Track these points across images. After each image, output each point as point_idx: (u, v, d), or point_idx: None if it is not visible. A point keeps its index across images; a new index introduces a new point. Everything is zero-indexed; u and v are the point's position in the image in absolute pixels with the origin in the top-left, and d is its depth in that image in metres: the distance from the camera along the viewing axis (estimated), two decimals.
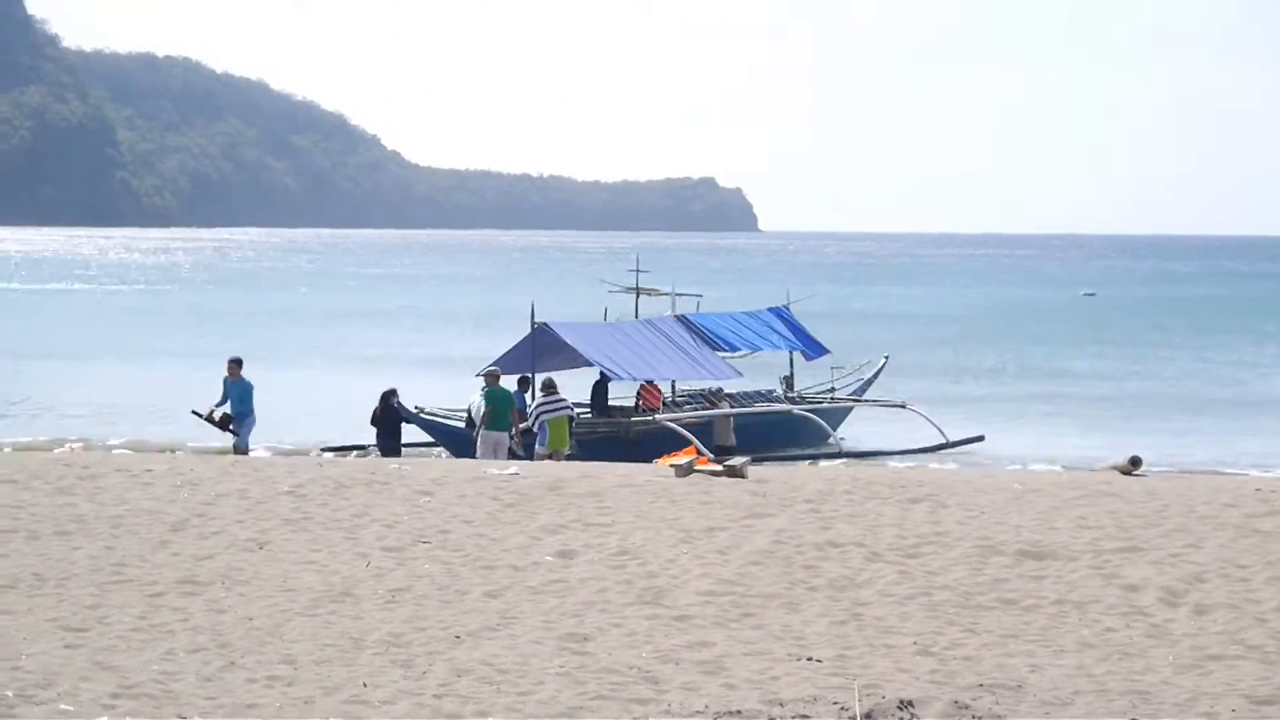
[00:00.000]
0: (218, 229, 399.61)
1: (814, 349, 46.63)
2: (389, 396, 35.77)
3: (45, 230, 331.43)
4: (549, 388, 33.75)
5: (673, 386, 41.86)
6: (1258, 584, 17.43)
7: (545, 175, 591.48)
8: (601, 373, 39.07)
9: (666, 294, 58.28)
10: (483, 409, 32.95)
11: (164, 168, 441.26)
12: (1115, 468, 26.98)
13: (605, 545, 19.56)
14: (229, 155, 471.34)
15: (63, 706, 12.58)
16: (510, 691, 13.36)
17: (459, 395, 39.29)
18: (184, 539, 19.88)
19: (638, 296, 67.75)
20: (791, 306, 47.34)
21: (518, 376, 36.34)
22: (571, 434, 33.54)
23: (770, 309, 47.25)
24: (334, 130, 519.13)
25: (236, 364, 32.36)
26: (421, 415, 36.89)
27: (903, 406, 43.60)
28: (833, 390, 46.58)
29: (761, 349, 45.14)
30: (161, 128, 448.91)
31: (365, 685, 13.50)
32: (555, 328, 38.62)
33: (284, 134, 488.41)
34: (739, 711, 12.58)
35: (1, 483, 23.49)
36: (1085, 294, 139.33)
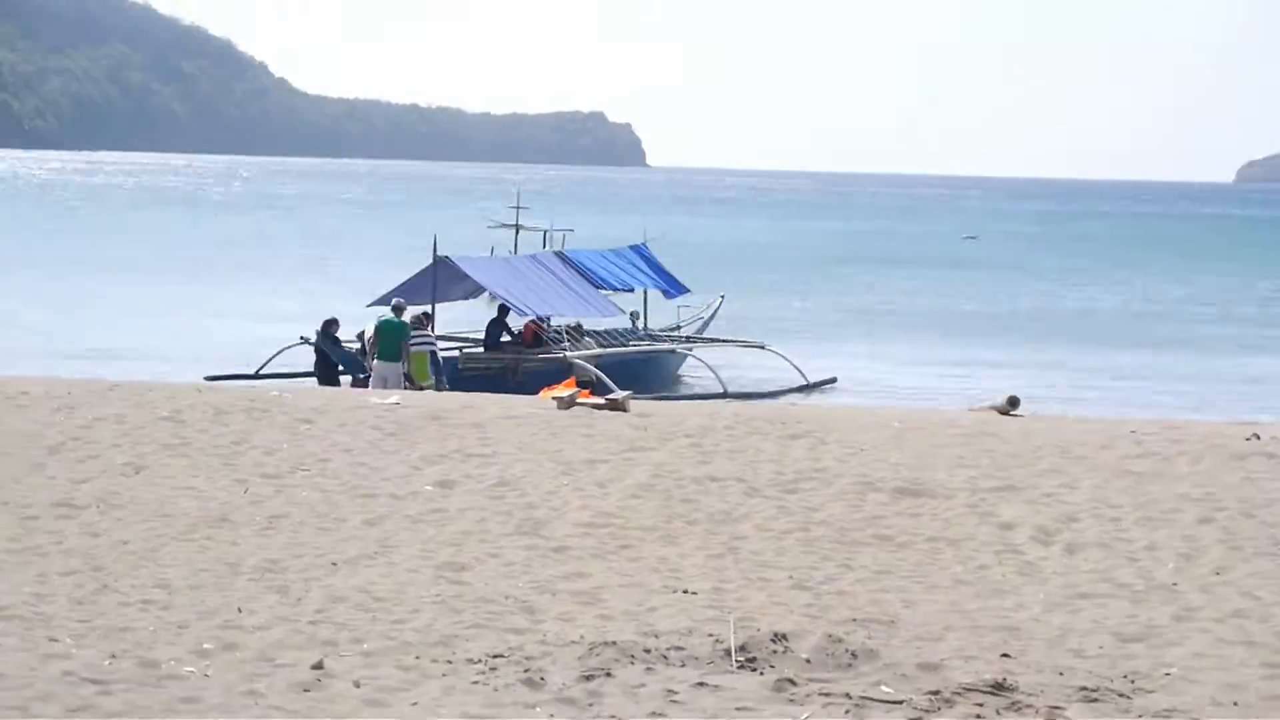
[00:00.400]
0: (102, 153, 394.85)
1: (675, 287, 46.74)
2: (328, 327, 35.54)
3: None
4: (416, 323, 33.91)
5: (546, 323, 41.73)
6: (1129, 524, 17.65)
7: (434, 106, 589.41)
8: (500, 307, 39.25)
9: (543, 230, 58.18)
10: (372, 339, 33.07)
11: (46, 90, 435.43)
12: (993, 408, 27.22)
13: (485, 476, 19.55)
14: (114, 79, 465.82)
15: None
16: (386, 619, 13.35)
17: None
18: (60, 462, 19.69)
19: (518, 232, 68.06)
20: (649, 244, 47.20)
21: (420, 311, 36.15)
22: (437, 369, 33.66)
23: (631, 246, 47.11)
24: (221, 56, 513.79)
25: None
26: (341, 349, 36.43)
27: (762, 347, 43.45)
28: (678, 329, 46.44)
29: (632, 286, 45.17)
30: (44, 49, 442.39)
31: (240, 610, 13.44)
32: (456, 261, 38.81)
33: (170, 59, 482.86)
34: (614, 642, 12.62)
35: None
36: (966, 237, 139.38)
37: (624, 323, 44.06)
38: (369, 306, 38.36)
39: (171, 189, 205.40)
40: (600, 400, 25.45)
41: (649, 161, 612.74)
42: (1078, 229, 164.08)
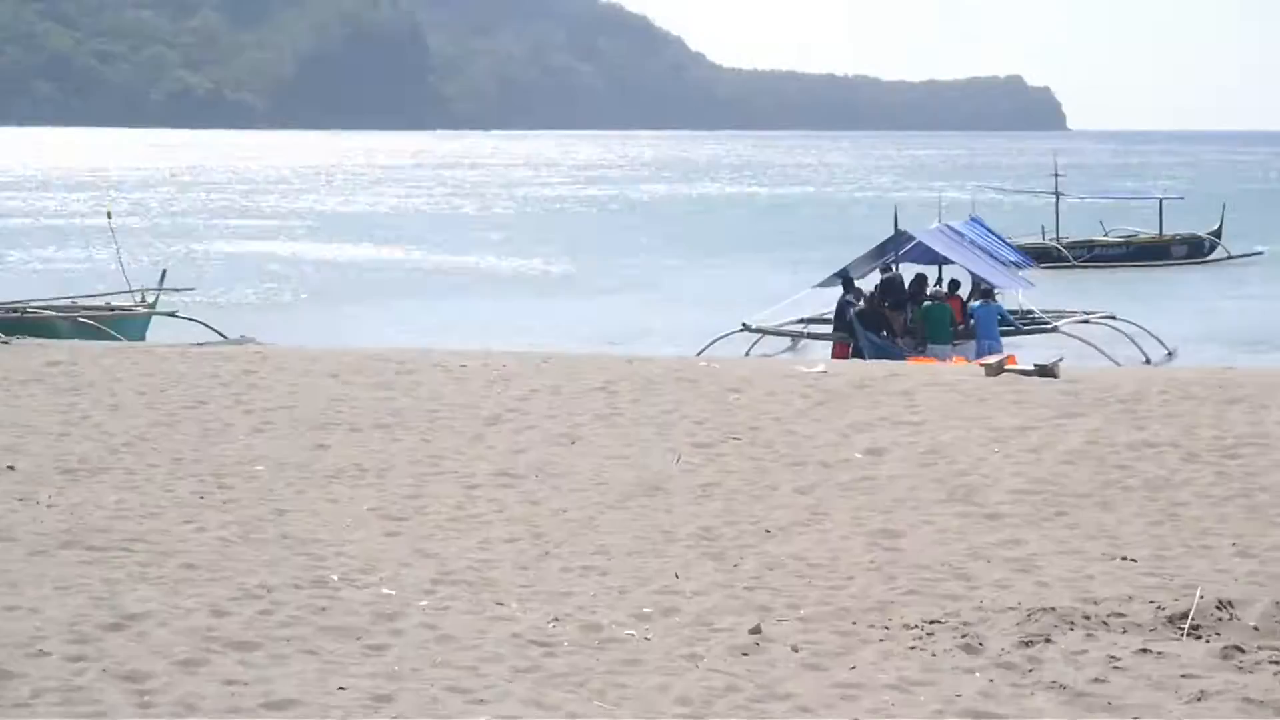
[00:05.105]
0: (527, 131, 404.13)
1: (1027, 258, 45.94)
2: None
3: (366, 133, 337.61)
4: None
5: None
6: None
7: (850, 75, 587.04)
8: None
9: (1092, 196, 58.20)
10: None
11: (472, 71, 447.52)
12: None
13: (915, 443, 19.48)
14: (535, 59, 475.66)
15: (385, 591, 12.94)
16: (821, 585, 13.40)
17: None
18: (498, 433, 20.24)
19: (1057, 201, 69.01)
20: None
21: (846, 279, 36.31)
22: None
23: (973, 218, 45.79)
24: (638, 32, 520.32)
25: None
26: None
27: (1113, 317, 40.53)
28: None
29: (1009, 260, 44.02)
30: (469, 32, 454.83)
31: (677, 576, 13.64)
32: (915, 235, 38.43)
33: (589, 36, 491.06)
34: (1053, 608, 12.45)
35: (325, 376, 24.14)
36: None
37: None
38: (814, 288, 38.40)
39: None
40: (1029, 366, 25.14)
41: (1070, 125, 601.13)
42: None
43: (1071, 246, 64.05)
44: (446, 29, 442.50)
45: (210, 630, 11.75)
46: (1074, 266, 61.15)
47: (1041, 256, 57.76)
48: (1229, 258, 65.34)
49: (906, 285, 35.76)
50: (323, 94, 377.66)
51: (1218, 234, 66.96)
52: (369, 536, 14.95)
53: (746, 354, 36.20)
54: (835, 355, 33.61)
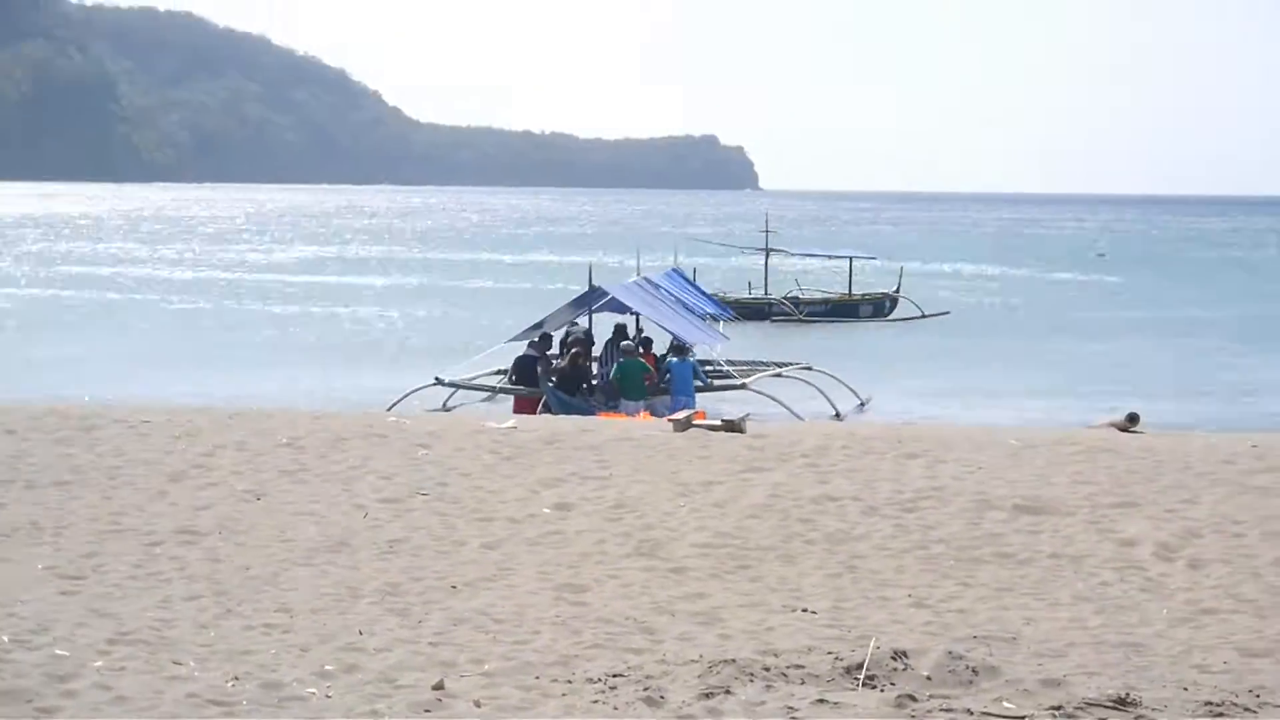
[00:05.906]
0: (220, 184, 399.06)
1: (726, 311, 46.88)
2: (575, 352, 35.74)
3: (56, 185, 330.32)
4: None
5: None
6: (1252, 539, 17.46)
7: (546, 132, 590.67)
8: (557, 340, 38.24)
9: (800, 255, 58.70)
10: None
11: (165, 123, 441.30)
12: (1112, 424, 26.98)
13: (603, 498, 19.59)
14: (230, 110, 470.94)
15: (58, 651, 12.61)
16: (506, 640, 13.40)
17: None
18: (182, 490, 19.89)
19: (767, 257, 69.95)
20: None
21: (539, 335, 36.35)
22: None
23: (673, 270, 46.64)
24: (335, 86, 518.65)
25: None
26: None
27: (809, 368, 41.44)
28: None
29: (706, 312, 44.72)
30: (162, 82, 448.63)
31: (361, 633, 13.53)
32: (609, 290, 38.71)
33: (286, 89, 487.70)
34: (734, 660, 12.60)
35: (2, 433, 23.49)
36: (1097, 254, 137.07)
37: None
38: (509, 342, 38.45)
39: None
40: (716, 422, 25.43)
41: (762, 185, 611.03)
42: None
43: (780, 303, 65.63)
44: (138, 79, 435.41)
45: None
46: (801, 320, 62.71)
47: (755, 314, 59.58)
48: (923, 316, 67.16)
49: (605, 336, 36.19)
50: (8, 145, 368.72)
51: (897, 293, 69.18)
52: (43, 596, 14.56)
53: (444, 407, 36.14)
54: (517, 410, 33.52)
